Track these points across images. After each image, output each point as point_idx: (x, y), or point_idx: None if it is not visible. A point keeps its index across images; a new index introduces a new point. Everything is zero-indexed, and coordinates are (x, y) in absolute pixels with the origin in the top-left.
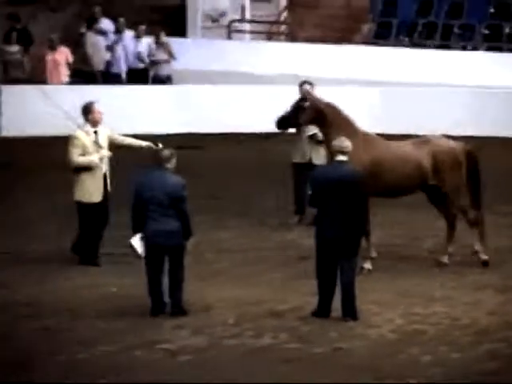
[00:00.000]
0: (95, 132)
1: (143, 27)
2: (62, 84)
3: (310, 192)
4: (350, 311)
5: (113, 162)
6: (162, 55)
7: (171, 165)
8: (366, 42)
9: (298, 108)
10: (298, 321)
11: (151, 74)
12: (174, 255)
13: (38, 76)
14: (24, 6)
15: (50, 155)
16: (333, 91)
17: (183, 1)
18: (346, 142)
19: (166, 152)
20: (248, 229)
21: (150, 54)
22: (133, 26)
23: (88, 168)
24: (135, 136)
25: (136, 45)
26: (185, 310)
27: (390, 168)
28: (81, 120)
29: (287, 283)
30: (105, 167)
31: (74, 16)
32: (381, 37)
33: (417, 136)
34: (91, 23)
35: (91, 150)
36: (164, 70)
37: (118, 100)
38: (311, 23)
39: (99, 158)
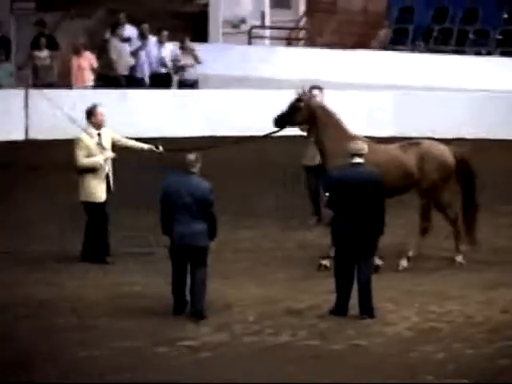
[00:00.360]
0: (98, 134)
1: (166, 33)
2: (87, 88)
3: (327, 194)
4: (366, 309)
5: (117, 162)
6: (187, 60)
7: (196, 169)
8: (383, 47)
9: (294, 108)
10: (316, 318)
11: (177, 78)
12: (198, 256)
13: (64, 80)
14: (51, 13)
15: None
16: (350, 95)
17: (205, 7)
18: (362, 145)
19: (192, 156)
20: (267, 229)
21: (175, 59)
22: (156, 31)
23: (92, 169)
24: (157, 139)
25: (159, 50)
26: (204, 314)
27: (382, 171)
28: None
29: (305, 282)
30: (107, 168)
31: (99, 22)
32: (397, 42)
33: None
34: (115, 29)
35: (95, 151)
36: (190, 75)
37: (141, 103)
38: (329, 29)
39: (104, 159)
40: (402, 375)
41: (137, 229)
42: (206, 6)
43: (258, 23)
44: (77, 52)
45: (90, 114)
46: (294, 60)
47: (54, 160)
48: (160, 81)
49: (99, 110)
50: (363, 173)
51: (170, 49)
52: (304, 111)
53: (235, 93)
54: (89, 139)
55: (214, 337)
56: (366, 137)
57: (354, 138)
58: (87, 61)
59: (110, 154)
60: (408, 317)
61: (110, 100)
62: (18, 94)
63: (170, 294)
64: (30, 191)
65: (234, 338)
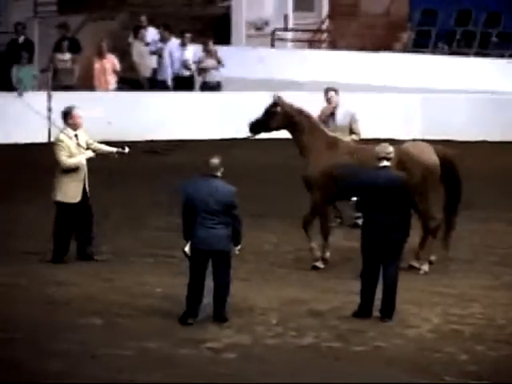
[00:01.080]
0: (76, 135)
1: (188, 35)
2: (109, 91)
3: (356, 197)
4: (388, 312)
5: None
6: (210, 62)
7: (220, 173)
8: (405, 50)
9: (269, 113)
10: (339, 320)
11: (200, 81)
12: (221, 261)
13: (85, 83)
14: (73, 16)
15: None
16: (372, 98)
17: (227, 10)
18: (389, 148)
19: (215, 160)
20: (289, 230)
21: (198, 62)
22: (179, 34)
23: (74, 169)
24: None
25: (182, 52)
26: (226, 317)
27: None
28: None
29: (328, 283)
30: (85, 169)
31: (122, 25)
32: (420, 45)
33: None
34: (137, 32)
35: (75, 152)
36: (213, 77)
37: (163, 106)
38: (352, 31)
39: (86, 158)
40: (423, 377)
41: (161, 229)
42: (229, 8)
43: (280, 26)
44: (100, 55)
45: (67, 115)
46: (316, 62)
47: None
48: (183, 83)
49: (76, 111)
50: (391, 176)
51: (192, 51)
52: (280, 116)
53: (257, 95)
54: (68, 140)
55: (236, 339)
56: (387, 140)
57: (332, 140)
58: (110, 63)
59: (90, 153)
60: (429, 319)
61: (131, 103)
62: (41, 96)
63: None
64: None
65: (257, 340)
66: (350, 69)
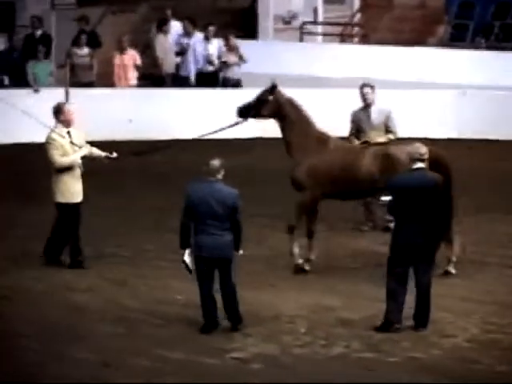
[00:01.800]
0: (68, 133)
1: (212, 28)
2: (130, 87)
3: (388, 199)
4: (423, 321)
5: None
6: (231, 58)
7: (221, 176)
8: (441, 44)
9: (261, 100)
10: (370, 329)
11: (221, 76)
12: (225, 268)
13: (105, 79)
14: (92, 8)
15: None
16: (405, 95)
17: (254, 2)
18: (423, 149)
19: (216, 163)
20: (318, 235)
21: (219, 57)
22: (202, 28)
23: (69, 168)
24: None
25: (205, 47)
26: (241, 317)
27: (338, 170)
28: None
29: (358, 291)
30: (81, 168)
31: (143, 18)
32: (456, 39)
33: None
34: (161, 26)
35: (69, 150)
36: (233, 74)
37: (185, 103)
38: (385, 25)
39: (80, 156)
40: None
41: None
42: (255, 1)
43: (310, 19)
44: (120, 49)
45: (58, 111)
46: (347, 57)
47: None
48: (206, 79)
49: (67, 107)
50: (427, 178)
51: (216, 46)
52: (271, 105)
53: (286, 92)
54: (60, 138)
55: (262, 348)
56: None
57: (320, 135)
58: (130, 59)
59: (84, 150)
60: (466, 328)
61: (153, 100)
62: (58, 93)
63: None
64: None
65: (284, 350)
66: (382, 64)
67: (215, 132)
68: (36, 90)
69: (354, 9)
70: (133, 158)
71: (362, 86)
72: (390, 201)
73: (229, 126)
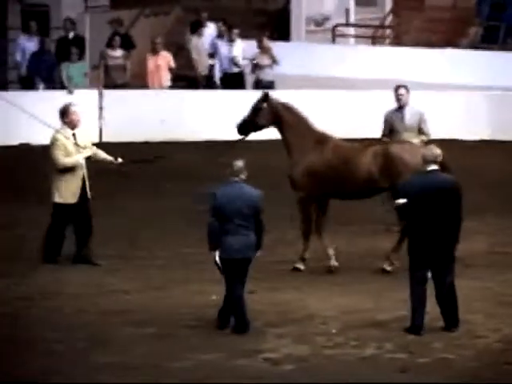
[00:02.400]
0: (73, 134)
1: (236, 31)
2: (163, 88)
3: (400, 202)
4: (453, 321)
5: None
6: (264, 60)
7: (244, 176)
8: (473, 45)
9: (256, 110)
10: (402, 330)
11: (253, 78)
12: (247, 268)
13: (138, 80)
14: (126, 11)
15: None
16: (437, 96)
17: (287, 4)
18: (437, 150)
19: (240, 163)
20: (352, 236)
21: (252, 59)
22: (227, 29)
23: (71, 169)
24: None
25: (229, 49)
26: (248, 325)
27: (338, 170)
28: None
29: (390, 292)
30: (84, 170)
31: (177, 20)
32: (488, 40)
33: None
34: (195, 28)
35: (73, 151)
36: (266, 75)
37: (215, 104)
38: (416, 27)
39: (83, 157)
40: None
41: None
42: (288, 3)
43: (342, 21)
44: (154, 51)
45: (64, 113)
46: (379, 59)
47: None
48: (232, 81)
49: (73, 109)
50: (443, 180)
51: (241, 47)
52: (266, 112)
53: (317, 93)
54: (65, 139)
55: (294, 349)
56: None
57: (321, 136)
58: (164, 60)
59: (88, 152)
60: (499, 329)
61: (185, 101)
62: (92, 94)
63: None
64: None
65: (316, 351)
66: (414, 66)
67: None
68: (70, 92)
69: (385, 11)
70: (133, 164)
71: (397, 88)
72: (403, 204)
73: (234, 143)
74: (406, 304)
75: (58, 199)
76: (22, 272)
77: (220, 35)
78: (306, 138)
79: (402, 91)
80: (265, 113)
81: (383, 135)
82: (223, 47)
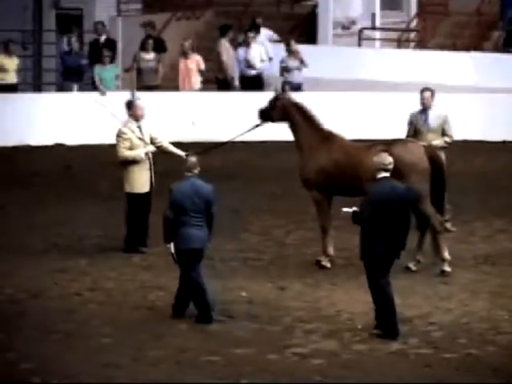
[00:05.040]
0: (138, 127)
1: (251, 34)
2: (194, 91)
3: (355, 208)
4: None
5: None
6: (292, 63)
7: (197, 171)
8: (497, 49)
9: (270, 105)
10: (427, 326)
11: (281, 81)
12: (199, 258)
13: (171, 83)
14: (158, 15)
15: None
16: (462, 98)
17: (315, 9)
18: (388, 159)
19: (194, 159)
20: None
21: (281, 61)
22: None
23: (136, 161)
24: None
25: (246, 51)
26: (212, 317)
27: (341, 168)
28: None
29: (415, 288)
30: (150, 161)
31: (208, 24)
32: (511, 44)
33: None
34: (225, 31)
35: (138, 144)
36: (295, 78)
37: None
38: (441, 30)
39: (145, 152)
40: None
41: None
42: (316, 7)
43: (368, 25)
44: (184, 54)
45: (130, 106)
46: (404, 62)
47: (164, 163)
48: (249, 83)
49: (138, 103)
50: (399, 188)
51: (258, 50)
52: (278, 109)
53: (343, 95)
54: (130, 132)
55: (322, 344)
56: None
57: (327, 135)
58: (194, 63)
59: (151, 147)
60: None
61: (215, 102)
62: (124, 96)
63: (275, 301)
64: None
65: (344, 346)
66: (438, 69)
67: (239, 136)
68: (103, 93)
69: (411, 15)
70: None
71: (422, 90)
72: (358, 211)
73: (250, 129)
74: (433, 300)
75: (128, 189)
76: (79, 268)
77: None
78: (314, 137)
79: (426, 94)
80: (277, 110)
81: (408, 136)
82: (240, 50)
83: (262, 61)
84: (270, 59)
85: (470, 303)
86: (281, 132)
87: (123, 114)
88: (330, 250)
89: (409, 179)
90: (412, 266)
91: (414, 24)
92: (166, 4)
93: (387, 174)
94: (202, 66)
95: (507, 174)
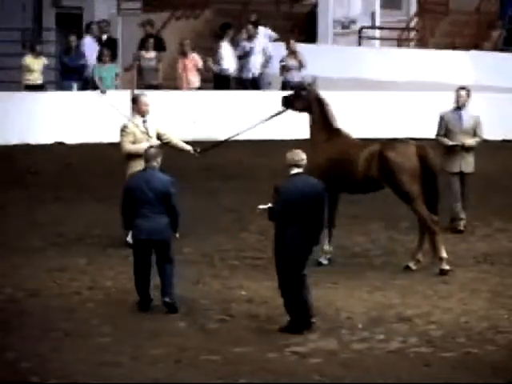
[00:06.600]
0: (144, 122)
1: (244, 35)
2: (192, 89)
3: (270, 205)
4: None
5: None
6: (292, 62)
7: (157, 163)
8: (496, 48)
9: (295, 94)
10: (427, 325)
11: (281, 80)
12: (163, 250)
13: (171, 82)
14: (157, 14)
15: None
16: None
17: (314, 8)
18: (301, 155)
19: (152, 151)
20: (377, 234)
21: (281, 60)
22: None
23: (139, 156)
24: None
25: (248, 46)
26: (176, 307)
27: (340, 165)
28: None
29: (415, 287)
30: None
31: (207, 23)
32: (511, 43)
33: None
34: (223, 30)
35: (141, 138)
36: (293, 77)
37: (245, 105)
38: (441, 29)
39: (149, 146)
40: None
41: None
42: (315, 6)
43: (367, 24)
44: (183, 53)
45: (135, 101)
46: (404, 61)
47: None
48: (247, 85)
49: (144, 98)
50: (311, 183)
51: (259, 57)
52: (301, 99)
53: (344, 95)
54: (134, 127)
55: (321, 343)
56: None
57: (334, 131)
58: (192, 62)
59: (154, 141)
60: None
61: (216, 101)
62: (125, 95)
63: (275, 300)
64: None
65: (343, 345)
66: (439, 68)
67: (258, 124)
68: (103, 92)
69: (410, 14)
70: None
71: (459, 89)
72: (273, 207)
73: (273, 116)
74: (433, 300)
75: None
76: (78, 267)
77: (249, 37)
78: (321, 133)
79: (463, 93)
80: (301, 99)
81: (438, 134)
82: (243, 43)
83: (263, 66)
84: (270, 58)
85: (470, 302)
86: (281, 132)
87: (124, 111)
88: (327, 248)
89: (397, 179)
90: (412, 265)
91: (413, 23)
92: (165, 3)
93: (300, 170)
94: (200, 65)
95: (507, 173)
